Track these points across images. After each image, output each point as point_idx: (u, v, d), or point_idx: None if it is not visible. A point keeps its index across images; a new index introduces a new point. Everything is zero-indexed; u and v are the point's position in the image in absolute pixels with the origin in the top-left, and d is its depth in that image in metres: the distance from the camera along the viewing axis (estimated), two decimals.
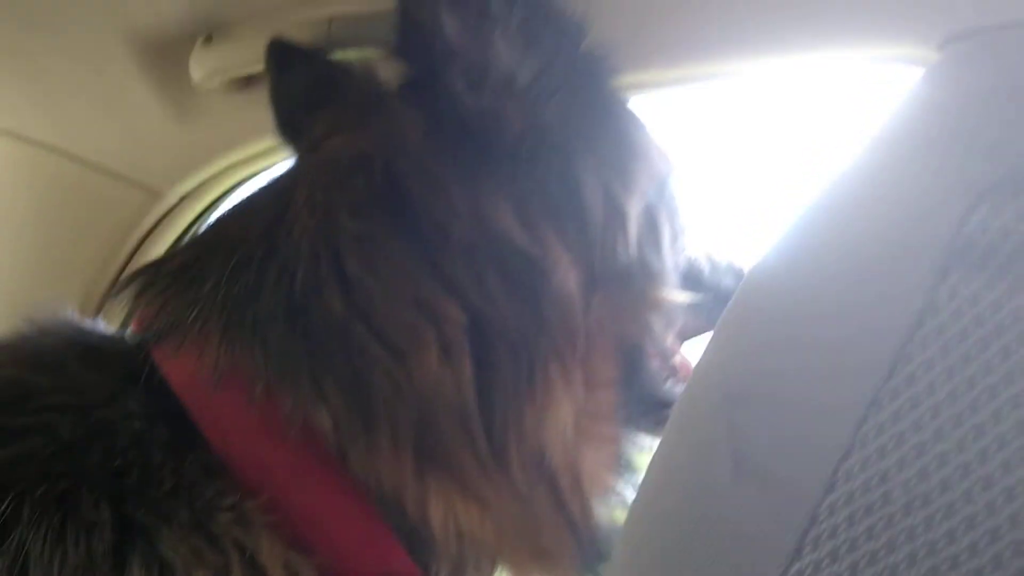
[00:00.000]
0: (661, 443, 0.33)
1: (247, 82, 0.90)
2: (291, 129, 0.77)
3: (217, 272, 0.53)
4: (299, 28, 0.82)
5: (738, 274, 0.73)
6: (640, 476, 0.63)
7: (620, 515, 0.61)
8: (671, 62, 0.67)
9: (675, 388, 0.69)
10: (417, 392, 0.50)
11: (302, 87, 0.75)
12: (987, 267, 0.26)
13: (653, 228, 0.64)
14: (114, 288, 0.58)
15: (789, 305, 0.31)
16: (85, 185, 1.15)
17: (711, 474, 0.29)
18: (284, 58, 0.80)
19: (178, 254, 0.58)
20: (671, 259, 0.65)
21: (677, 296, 0.64)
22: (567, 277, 0.56)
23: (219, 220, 0.61)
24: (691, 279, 0.71)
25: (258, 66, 0.86)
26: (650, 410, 0.66)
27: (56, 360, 0.51)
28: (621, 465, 0.62)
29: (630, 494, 0.63)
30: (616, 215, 0.59)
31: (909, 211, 0.28)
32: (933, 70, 0.32)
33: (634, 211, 0.61)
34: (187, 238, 1.17)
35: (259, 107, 0.87)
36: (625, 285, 0.60)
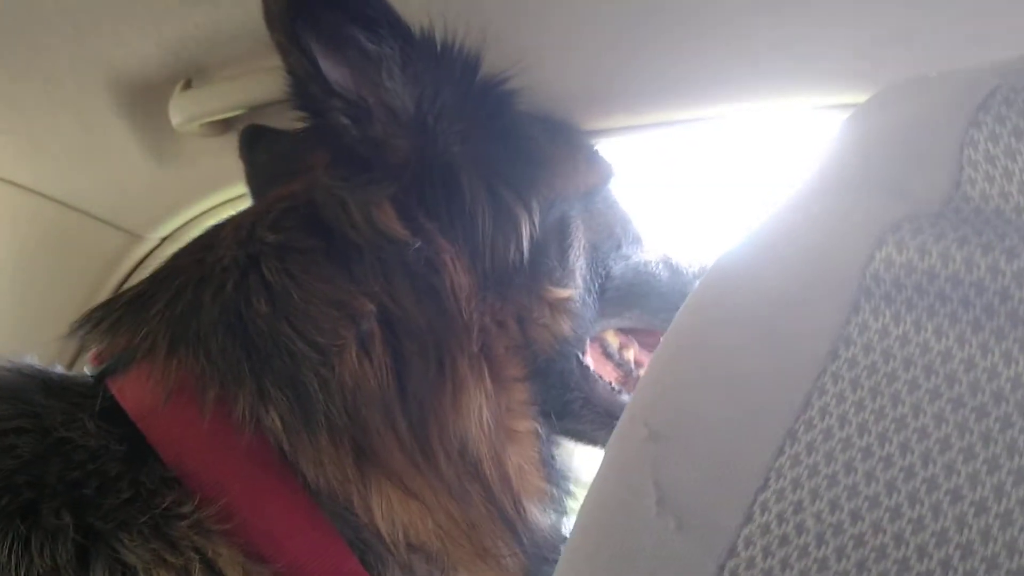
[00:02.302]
0: (596, 474, 0.34)
1: (225, 126, 0.92)
2: (259, 190, 0.85)
3: (161, 299, 0.57)
4: (276, 74, 0.83)
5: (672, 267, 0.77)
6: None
7: (558, 519, 0.63)
8: (634, 110, 0.71)
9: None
10: (343, 387, 0.53)
11: (267, 163, 0.83)
12: (894, 302, 0.27)
13: (562, 233, 0.69)
14: (72, 327, 0.60)
15: (713, 341, 0.31)
16: (66, 228, 1.16)
17: (637, 508, 0.30)
18: (253, 139, 0.87)
19: (129, 290, 0.62)
20: (581, 262, 0.69)
21: (576, 295, 0.67)
22: (458, 272, 0.60)
23: (169, 258, 0.65)
24: (640, 284, 0.74)
25: (235, 111, 0.88)
26: (605, 422, 0.68)
27: (17, 391, 0.54)
28: (552, 467, 0.64)
29: (569, 499, 0.65)
30: (506, 220, 0.63)
31: (823, 249, 0.29)
32: (851, 118, 0.33)
33: (529, 217, 0.64)
34: None
35: (237, 151, 0.89)
36: (519, 285, 0.63)
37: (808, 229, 0.30)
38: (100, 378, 0.55)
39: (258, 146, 0.86)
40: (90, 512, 0.47)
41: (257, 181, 0.86)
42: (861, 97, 0.43)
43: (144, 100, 0.92)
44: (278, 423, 0.51)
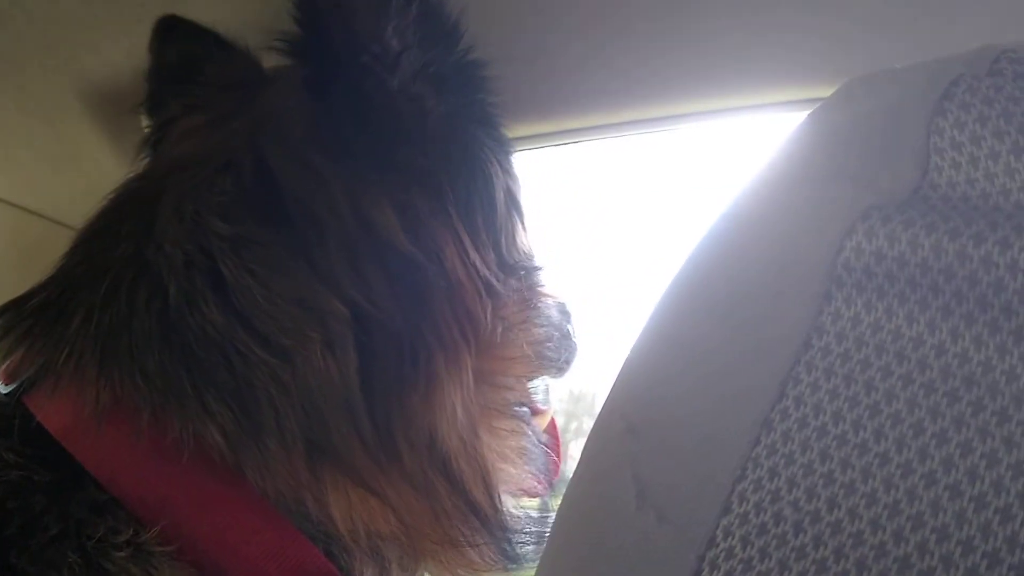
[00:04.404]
0: (575, 470, 0.34)
1: None
2: (155, 105, 0.75)
3: (85, 304, 0.51)
4: None
5: (569, 315, 0.74)
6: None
7: (532, 504, 0.62)
8: (595, 109, 0.71)
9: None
10: (302, 388, 0.50)
11: (175, 61, 0.73)
12: (865, 290, 0.27)
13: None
14: None
15: (687, 333, 0.31)
16: (40, 239, 1.14)
17: (615, 502, 0.30)
18: (168, 32, 0.76)
19: (40, 290, 0.55)
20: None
21: (557, 293, 0.66)
22: (466, 264, 0.56)
23: (80, 245, 0.58)
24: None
25: None
26: None
27: None
28: (534, 458, 0.63)
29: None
30: (513, 203, 0.61)
31: (794, 240, 0.29)
32: (815, 111, 0.34)
33: (524, 204, 0.62)
34: None
35: None
36: (527, 274, 0.61)
37: (777, 221, 0.31)
38: (17, 397, 0.50)
39: (172, 40, 0.76)
40: (14, 555, 0.42)
41: (157, 79, 0.76)
42: (826, 92, 0.44)
43: (116, 107, 0.92)
44: (219, 438, 0.48)
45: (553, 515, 0.65)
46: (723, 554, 0.27)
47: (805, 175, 0.31)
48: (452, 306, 0.55)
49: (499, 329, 0.59)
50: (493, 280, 0.58)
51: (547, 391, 0.75)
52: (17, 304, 0.55)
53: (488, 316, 0.57)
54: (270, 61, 0.68)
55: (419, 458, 0.54)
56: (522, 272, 0.62)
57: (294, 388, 0.50)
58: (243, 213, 0.53)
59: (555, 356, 0.68)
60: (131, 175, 0.64)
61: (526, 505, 0.63)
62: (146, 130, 0.83)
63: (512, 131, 0.75)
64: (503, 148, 0.64)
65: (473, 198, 0.58)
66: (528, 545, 0.61)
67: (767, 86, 0.57)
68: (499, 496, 0.59)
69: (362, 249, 0.53)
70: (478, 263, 0.57)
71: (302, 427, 0.50)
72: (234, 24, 0.74)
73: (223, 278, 0.51)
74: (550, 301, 0.68)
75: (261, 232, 0.53)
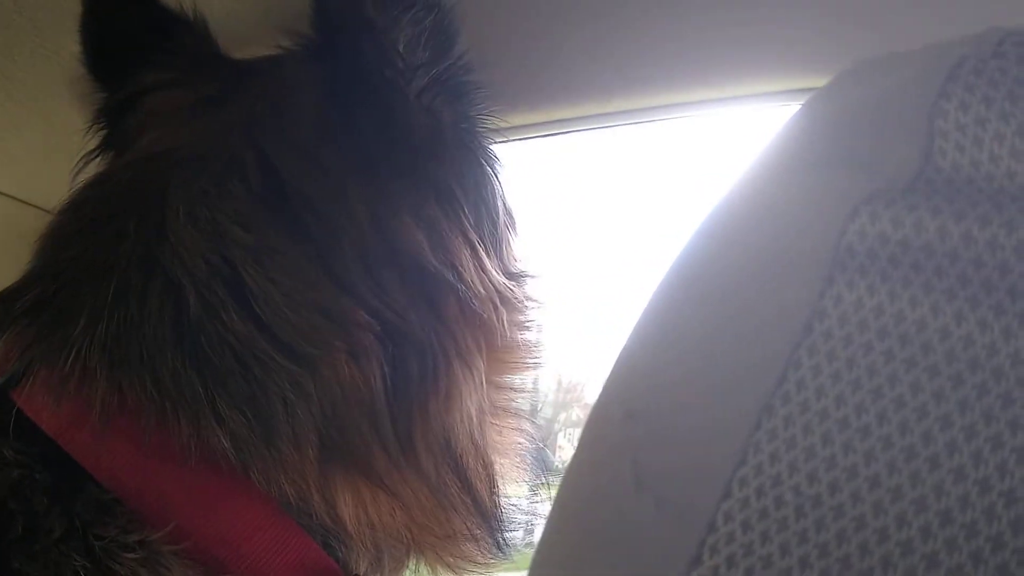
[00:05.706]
0: (571, 458, 0.33)
1: None
2: (105, 68, 0.71)
3: (90, 305, 0.50)
4: None
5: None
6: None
7: (521, 492, 0.64)
8: (589, 98, 0.71)
9: None
10: (326, 396, 0.50)
11: (125, 24, 0.70)
12: (868, 273, 0.27)
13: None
14: None
15: (687, 320, 0.31)
16: (34, 229, 1.13)
17: (614, 489, 0.29)
18: None
19: (31, 283, 0.54)
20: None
21: (549, 296, 0.68)
22: (475, 280, 0.57)
23: (72, 236, 0.56)
24: None
25: None
26: None
27: None
28: (529, 454, 0.64)
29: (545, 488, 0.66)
30: (507, 213, 0.63)
31: (795, 225, 0.29)
32: (817, 95, 0.33)
33: (514, 211, 0.64)
34: None
35: None
36: (528, 281, 0.63)
37: (777, 206, 0.30)
38: (4, 392, 0.49)
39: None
40: (16, 559, 0.42)
41: (101, 38, 0.72)
42: (821, 82, 0.44)
43: None
44: (227, 443, 0.48)
45: (540, 505, 0.67)
46: (723, 539, 0.27)
47: (807, 160, 0.31)
48: (467, 315, 0.57)
49: (508, 335, 0.61)
50: (504, 289, 0.60)
51: (536, 383, 0.76)
52: (7, 299, 0.54)
53: (501, 324, 0.59)
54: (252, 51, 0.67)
55: (435, 458, 0.55)
56: (525, 279, 0.65)
57: (315, 395, 0.50)
58: (259, 220, 0.53)
59: (543, 356, 0.70)
60: (118, 161, 0.63)
61: (516, 495, 0.65)
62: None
63: (504, 121, 0.75)
64: (497, 156, 0.66)
65: (481, 208, 0.60)
66: (516, 534, 0.63)
67: (762, 76, 0.58)
68: (498, 490, 0.61)
69: (380, 258, 0.54)
70: (492, 272, 0.59)
71: (319, 431, 0.51)
72: (238, 19, 0.73)
73: (246, 288, 0.51)
74: (539, 304, 0.69)
75: (280, 241, 0.53)
